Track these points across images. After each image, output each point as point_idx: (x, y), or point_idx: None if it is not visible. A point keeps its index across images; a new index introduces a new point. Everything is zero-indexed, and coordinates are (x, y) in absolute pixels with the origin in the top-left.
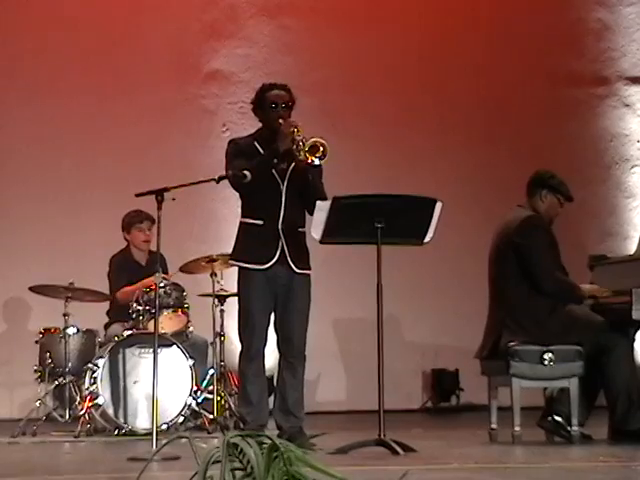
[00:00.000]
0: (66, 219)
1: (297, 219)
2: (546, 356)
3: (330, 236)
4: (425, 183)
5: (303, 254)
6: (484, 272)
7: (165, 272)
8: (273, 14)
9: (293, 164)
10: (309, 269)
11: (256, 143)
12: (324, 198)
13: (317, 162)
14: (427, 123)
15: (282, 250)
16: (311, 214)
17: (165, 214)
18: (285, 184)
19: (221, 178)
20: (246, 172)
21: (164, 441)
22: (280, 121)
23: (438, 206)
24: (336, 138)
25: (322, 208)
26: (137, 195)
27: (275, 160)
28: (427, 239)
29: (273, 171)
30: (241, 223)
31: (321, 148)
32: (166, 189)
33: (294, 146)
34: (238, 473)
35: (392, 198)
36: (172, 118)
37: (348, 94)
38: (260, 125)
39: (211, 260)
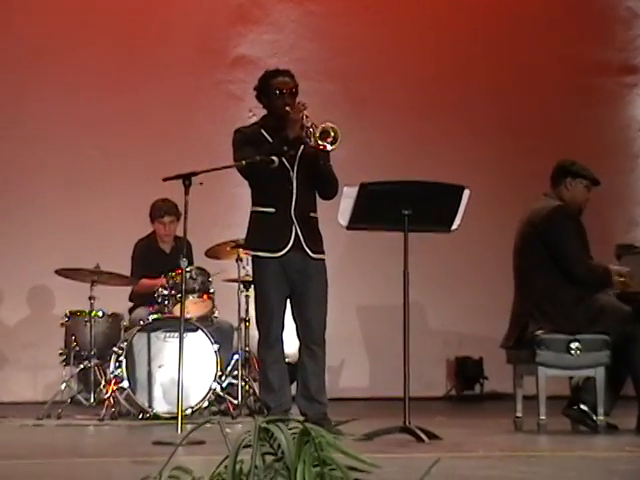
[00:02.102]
0: (91, 204)
1: (309, 205)
2: (572, 345)
3: (357, 222)
4: (447, 171)
5: (317, 239)
6: (507, 261)
7: (190, 260)
8: (300, 0)
9: (301, 150)
10: (324, 254)
11: (263, 131)
12: (335, 180)
13: (329, 147)
14: (450, 111)
15: (296, 236)
16: (322, 198)
17: (190, 200)
18: (295, 170)
19: (248, 163)
20: (274, 157)
21: (189, 426)
22: (287, 108)
23: (466, 194)
24: (358, 124)
25: (349, 195)
26: (165, 179)
27: (285, 148)
28: (454, 226)
29: (283, 158)
30: (252, 212)
31: (332, 133)
32: (194, 173)
33: (304, 132)
34: (268, 458)
35: (420, 185)
36: (198, 103)
37: (371, 81)
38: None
39: (236, 246)
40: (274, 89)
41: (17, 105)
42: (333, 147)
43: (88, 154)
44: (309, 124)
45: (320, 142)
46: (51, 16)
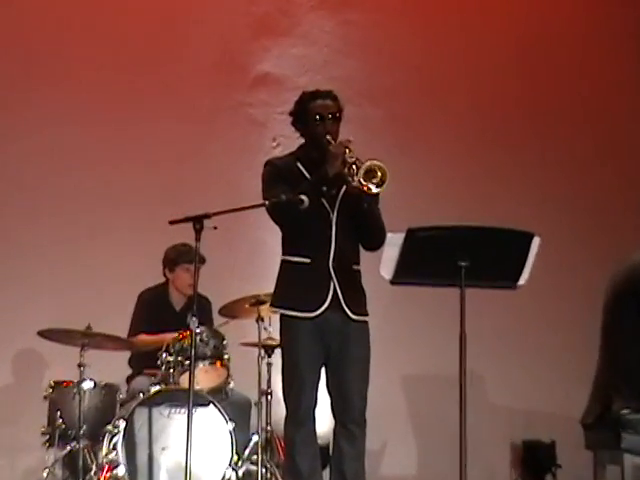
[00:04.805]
0: (84, 247)
1: (350, 255)
2: None
3: (403, 276)
4: (515, 210)
5: (359, 297)
6: (587, 320)
7: (209, 321)
8: (336, 8)
9: (344, 189)
10: (367, 315)
11: (299, 164)
12: (381, 228)
13: (375, 189)
14: (520, 139)
15: (334, 293)
16: (365, 249)
17: (201, 245)
18: (335, 213)
19: (274, 203)
20: (303, 197)
21: None
22: (328, 137)
23: (535, 242)
24: (405, 156)
25: (394, 242)
26: (171, 222)
27: (324, 188)
28: (522, 282)
29: (322, 199)
30: (283, 262)
31: (379, 173)
32: (206, 215)
33: (345, 169)
34: None
35: (480, 231)
36: (213, 130)
37: (423, 104)
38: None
39: (257, 302)
40: (312, 114)
41: (7, 140)
42: (379, 190)
43: (82, 182)
44: (352, 160)
45: (364, 183)
46: (56, 37)
